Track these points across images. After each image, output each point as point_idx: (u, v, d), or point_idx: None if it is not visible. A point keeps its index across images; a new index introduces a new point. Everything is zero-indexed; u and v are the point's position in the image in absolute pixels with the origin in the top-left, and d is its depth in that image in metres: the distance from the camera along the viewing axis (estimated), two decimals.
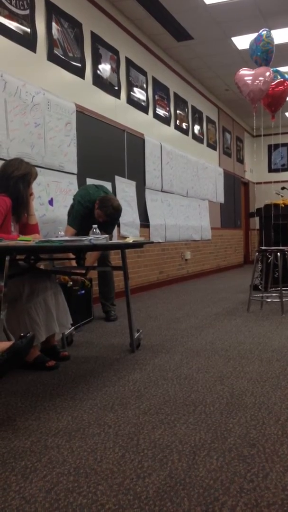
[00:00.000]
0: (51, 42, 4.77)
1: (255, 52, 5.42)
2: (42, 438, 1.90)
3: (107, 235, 3.15)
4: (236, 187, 11.30)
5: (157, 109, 7.26)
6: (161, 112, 7.40)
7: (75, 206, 4.18)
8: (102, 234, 3.22)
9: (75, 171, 5.02)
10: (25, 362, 2.81)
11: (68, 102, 4.95)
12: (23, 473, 1.63)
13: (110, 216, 4.00)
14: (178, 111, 8.08)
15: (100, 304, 4.62)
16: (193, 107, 8.77)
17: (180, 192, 7.94)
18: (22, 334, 2.08)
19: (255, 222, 10.11)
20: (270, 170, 12.77)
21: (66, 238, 3.06)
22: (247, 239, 12.54)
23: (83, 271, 3.73)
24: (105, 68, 5.78)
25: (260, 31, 5.37)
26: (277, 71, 5.84)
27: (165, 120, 7.58)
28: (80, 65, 5.27)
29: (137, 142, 6.56)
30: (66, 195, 4.80)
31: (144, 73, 6.82)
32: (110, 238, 4.24)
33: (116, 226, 4.48)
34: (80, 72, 5.28)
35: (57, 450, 1.79)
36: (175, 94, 7.96)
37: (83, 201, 4.13)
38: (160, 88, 7.37)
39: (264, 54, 5.37)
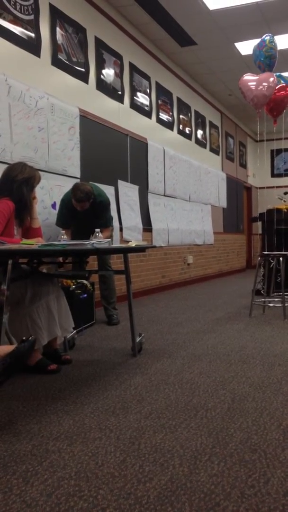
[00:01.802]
0: (55, 47, 4.80)
1: (258, 57, 5.44)
2: (44, 442, 1.90)
3: (109, 239, 3.15)
4: (238, 191, 11.31)
5: (160, 113, 7.28)
6: (164, 116, 7.42)
7: (59, 206, 4.30)
8: (101, 229, 3.23)
9: (78, 175, 5.03)
10: (27, 365, 2.81)
11: (71, 106, 4.97)
12: (24, 477, 1.63)
13: (80, 200, 3.97)
14: (181, 116, 8.10)
15: (102, 308, 4.62)
16: (196, 112, 8.79)
17: (182, 196, 7.95)
18: (24, 338, 2.08)
19: (258, 226, 10.11)
20: (273, 175, 12.78)
21: (69, 242, 3.07)
22: (250, 244, 12.53)
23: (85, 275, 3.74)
24: (108, 73, 5.81)
25: (263, 36, 5.39)
26: (280, 76, 5.85)
27: (168, 125, 7.60)
28: (83, 70, 5.29)
29: (140, 146, 6.57)
30: None
31: (147, 78, 6.84)
32: (108, 228, 4.25)
33: (107, 218, 4.30)
34: (83, 77, 5.30)
35: (58, 454, 1.79)
36: (178, 99, 7.98)
37: (64, 197, 4.23)
38: (163, 93, 7.39)
39: (267, 59, 5.38)
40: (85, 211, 4.08)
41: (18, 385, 2.64)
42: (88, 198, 3.98)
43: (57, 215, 4.32)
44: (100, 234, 3.09)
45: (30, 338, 2.09)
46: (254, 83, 5.43)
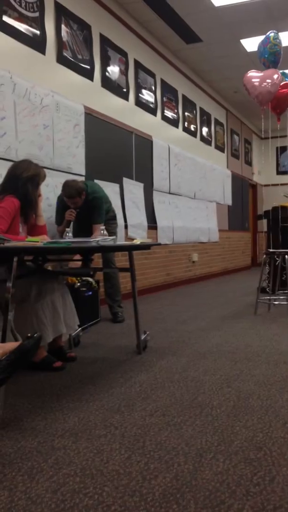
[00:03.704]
0: (60, 44, 4.79)
1: (263, 54, 5.42)
2: (49, 439, 1.90)
3: (114, 237, 3.15)
4: (244, 189, 11.28)
5: (165, 111, 7.27)
6: (169, 114, 7.41)
7: (56, 204, 4.31)
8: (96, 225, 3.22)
9: (83, 172, 5.03)
10: (32, 362, 2.82)
11: (76, 104, 4.96)
12: (29, 474, 1.63)
13: (70, 196, 3.98)
14: (186, 113, 8.09)
15: (107, 306, 4.62)
16: (201, 109, 8.77)
17: (187, 194, 7.93)
18: (29, 335, 2.08)
19: (263, 224, 10.08)
20: (278, 172, 12.73)
21: (74, 239, 3.07)
22: (255, 242, 12.50)
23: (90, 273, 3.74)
24: (113, 70, 5.80)
25: (268, 33, 5.36)
26: (284, 74, 5.82)
27: (173, 122, 7.59)
28: (89, 67, 5.29)
29: (145, 144, 6.57)
30: None
31: (152, 75, 6.83)
32: (99, 225, 4.23)
33: (99, 214, 4.26)
34: (89, 74, 5.29)
35: (64, 451, 1.80)
36: (184, 96, 7.97)
37: (59, 195, 4.23)
38: (168, 90, 7.37)
39: (271, 56, 5.36)
40: (81, 208, 4.08)
41: (23, 382, 2.65)
42: (78, 194, 3.99)
43: (55, 214, 4.32)
44: (105, 231, 3.09)
45: (35, 335, 2.09)
46: (258, 79, 5.41)
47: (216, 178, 9.29)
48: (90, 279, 4.24)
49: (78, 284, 4.10)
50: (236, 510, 1.41)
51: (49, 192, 4.47)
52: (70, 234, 3.25)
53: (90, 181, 4.37)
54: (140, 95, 6.46)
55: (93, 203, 4.13)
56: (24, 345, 2.02)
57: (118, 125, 5.86)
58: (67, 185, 4.00)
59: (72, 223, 4.08)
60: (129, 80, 6.17)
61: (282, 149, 12.52)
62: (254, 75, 5.49)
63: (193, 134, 8.44)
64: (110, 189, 5.42)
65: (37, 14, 4.45)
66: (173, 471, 1.63)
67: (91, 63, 5.34)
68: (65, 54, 4.87)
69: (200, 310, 5.13)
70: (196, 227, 8.18)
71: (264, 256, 5.01)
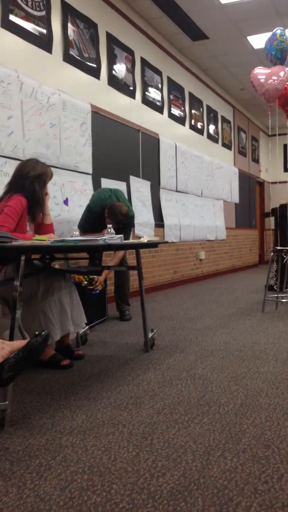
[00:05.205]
0: (66, 43, 4.80)
1: (270, 51, 5.40)
2: (57, 437, 1.91)
3: (121, 235, 3.15)
4: (251, 186, 11.24)
5: (172, 109, 7.25)
6: (176, 112, 7.39)
7: (85, 211, 4.24)
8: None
9: (90, 171, 5.04)
10: (40, 360, 2.83)
11: (83, 102, 4.97)
12: (38, 471, 1.64)
13: (121, 223, 3.94)
14: (193, 111, 8.07)
15: (114, 304, 4.63)
16: (208, 106, 8.75)
17: (194, 192, 7.92)
18: (37, 333, 2.09)
19: (270, 222, 10.05)
20: (286, 169, 12.67)
21: (81, 238, 3.08)
22: (262, 239, 12.46)
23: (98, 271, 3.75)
24: (120, 68, 5.79)
25: (274, 30, 5.34)
26: None
27: (180, 120, 7.57)
28: (95, 65, 5.29)
29: (152, 142, 6.56)
30: (81, 195, 4.82)
31: (159, 73, 6.82)
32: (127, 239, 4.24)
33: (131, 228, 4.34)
34: (95, 73, 5.30)
35: (72, 449, 1.80)
36: (190, 94, 7.95)
37: (93, 206, 4.15)
38: (175, 88, 7.36)
39: (278, 53, 5.34)
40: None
41: (31, 380, 2.66)
42: (127, 218, 3.98)
43: (81, 221, 4.24)
44: (112, 230, 3.09)
45: (42, 333, 2.10)
46: (265, 76, 5.39)
47: (223, 176, 9.27)
48: (97, 277, 4.24)
49: (85, 282, 4.10)
50: (244, 507, 1.40)
51: (56, 191, 4.48)
52: (77, 233, 3.25)
53: (118, 190, 4.32)
54: (146, 93, 6.45)
55: (129, 221, 4.09)
56: (32, 343, 2.03)
57: (124, 123, 5.85)
58: (118, 212, 3.89)
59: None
60: (135, 78, 6.16)
61: None
62: (260, 72, 5.47)
63: (200, 131, 8.42)
64: (117, 188, 5.41)
65: (43, 13, 4.45)
66: (181, 469, 1.64)
67: (98, 61, 5.34)
68: (71, 52, 4.88)
69: (207, 308, 5.12)
70: (203, 225, 8.16)
71: (272, 253, 4.99)
